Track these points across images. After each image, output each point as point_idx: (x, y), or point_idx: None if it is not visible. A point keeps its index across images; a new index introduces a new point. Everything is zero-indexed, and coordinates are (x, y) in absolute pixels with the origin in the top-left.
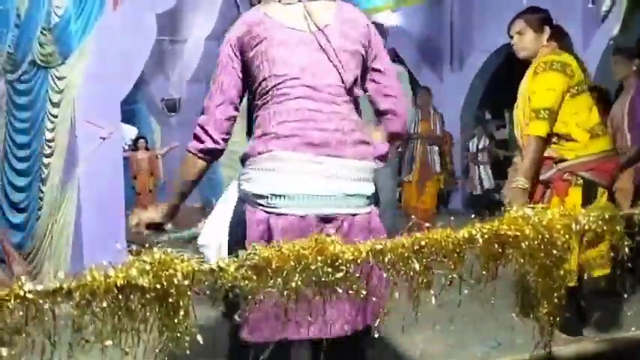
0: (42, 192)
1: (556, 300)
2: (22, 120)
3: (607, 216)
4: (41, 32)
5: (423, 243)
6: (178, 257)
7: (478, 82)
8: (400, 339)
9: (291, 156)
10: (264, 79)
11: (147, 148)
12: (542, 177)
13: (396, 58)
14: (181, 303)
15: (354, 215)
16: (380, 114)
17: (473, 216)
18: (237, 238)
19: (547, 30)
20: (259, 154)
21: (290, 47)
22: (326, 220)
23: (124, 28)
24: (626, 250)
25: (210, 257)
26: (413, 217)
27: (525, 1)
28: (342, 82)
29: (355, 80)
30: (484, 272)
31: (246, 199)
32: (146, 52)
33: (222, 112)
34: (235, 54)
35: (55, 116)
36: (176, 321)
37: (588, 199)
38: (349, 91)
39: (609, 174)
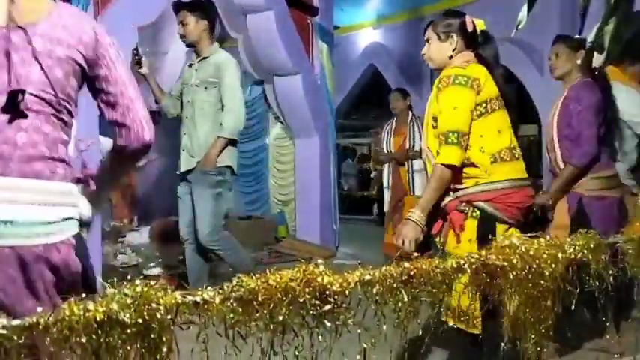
0: None
1: (543, 330)
2: None
3: (592, 245)
4: None
5: (411, 273)
6: (161, 289)
7: None
8: None
9: None
10: None
11: None
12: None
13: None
14: (164, 338)
15: (12, 247)
16: (113, 126)
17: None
18: None
19: (454, 39)
20: None
21: None
22: None
23: None
24: (610, 279)
25: None
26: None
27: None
28: (39, 89)
29: (65, 90)
30: (471, 303)
31: None
32: (126, 64)
33: None
34: None
35: None
36: (158, 357)
37: (483, 235)
38: (51, 102)
39: (516, 208)
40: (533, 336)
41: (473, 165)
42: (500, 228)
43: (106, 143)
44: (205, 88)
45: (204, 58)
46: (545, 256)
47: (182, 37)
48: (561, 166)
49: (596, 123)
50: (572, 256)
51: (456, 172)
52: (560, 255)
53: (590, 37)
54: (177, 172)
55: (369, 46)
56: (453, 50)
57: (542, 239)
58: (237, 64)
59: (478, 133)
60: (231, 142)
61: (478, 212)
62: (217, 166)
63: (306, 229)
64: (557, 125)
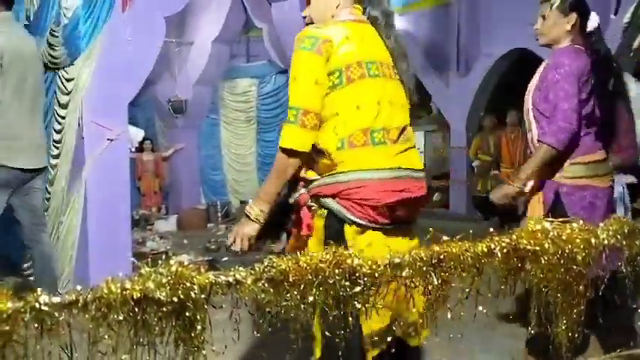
0: (48, 193)
1: (575, 316)
2: None
3: (626, 230)
4: (50, 33)
5: (441, 257)
6: (195, 270)
7: (485, 87)
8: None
9: None
10: None
11: (152, 150)
12: (291, 200)
13: None
14: (198, 317)
15: None
16: None
17: (492, 229)
18: None
19: None
20: None
21: None
22: None
23: (132, 30)
24: None
25: None
26: None
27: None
28: None
29: None
30: (502, 287)
31: None
32: (154, 54)
33: None
34: None
35: (63, 117)
36: (193, 335)
37: (331, 238)
38: None
39: (369, 206)
40: (565, 321)
41: (321, 151)
42: (349, 230)
43: (135, 133)
44: None
45: None
46: (577, 241)
47: None
48: (535, 141)
49: (575, 95)
50: (606, 241)
51: (310, 160)
52: (593, 240)
53: (625, 18)
54: None
55: None
56: (337, 6)
57: (574, 224)
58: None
59: (334, 110)
60: None
61: (325, 210)
62: None
63: None
64: (532, 98)
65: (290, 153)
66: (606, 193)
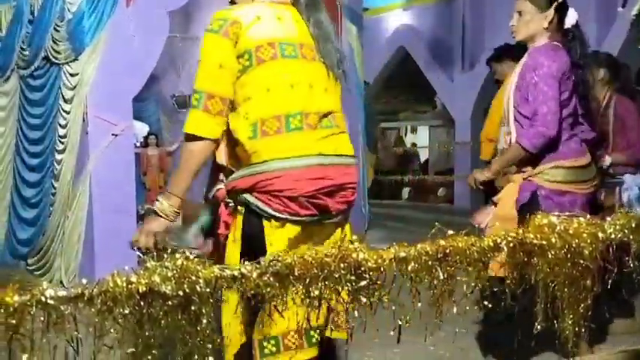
0: (54, 188)
1: (582, 310)
2: (34, 116)
3: (633, 225)
4: (54, 28)
5: (447, 251)
6: (201, 263)
7: (489, 82)
8: (409, 340)
9: None
10: None
11: (157, 145)
12: (209, 195)
13: None
14: (204, 311)
15: None
16: None
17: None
18: None
19: None
20: None
21: None
22: None
23: (136, 25)
24: None
25: None
26: None
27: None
28: None
29: None
30: (509, 282)
31: None
32: (158, 49)
33: None
34: None
35: (68, 112)
36: (198, 329)
37: (249, 236)
38: None
39: (286, 198)
40: (571, 316)
41: (236, 141)
42: (268, 225)
43: (140, 128)
44: None
45: None
46: (584, 235)
47: None
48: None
49: (554, 97)
50: (613, 235)
51: (233, 152)
52: (600, 234)
53: (634, 10)
54: None
55: (399, 27)
56: None
57: (581, 218)
58: None
59: (245, 94)
60: None
61: (242, 206)
62: None
63: None
64: (514, 99)
65: (194, 139)
66: (585, 200)
